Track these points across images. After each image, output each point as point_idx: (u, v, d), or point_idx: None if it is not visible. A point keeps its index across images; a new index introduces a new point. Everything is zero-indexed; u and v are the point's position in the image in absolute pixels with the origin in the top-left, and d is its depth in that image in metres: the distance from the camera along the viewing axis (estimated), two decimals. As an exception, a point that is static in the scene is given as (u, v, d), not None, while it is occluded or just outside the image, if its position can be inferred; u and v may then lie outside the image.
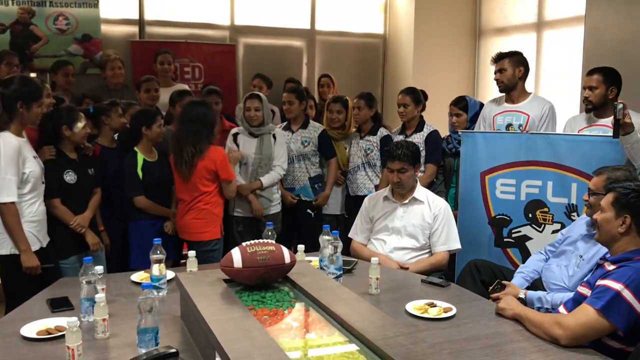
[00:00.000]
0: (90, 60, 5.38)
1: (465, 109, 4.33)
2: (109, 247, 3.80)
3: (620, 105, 3.08)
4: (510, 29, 6.22)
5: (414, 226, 3.38)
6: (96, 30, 5.38)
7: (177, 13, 5.82)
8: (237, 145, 4.21)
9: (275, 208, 4.29)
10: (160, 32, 5.77)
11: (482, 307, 2.53)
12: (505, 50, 4.15)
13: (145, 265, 3.59)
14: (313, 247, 3.21)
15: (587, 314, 2.13)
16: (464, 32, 6.53)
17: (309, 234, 4.39)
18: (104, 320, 2.14)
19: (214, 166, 3.65)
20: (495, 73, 4.02)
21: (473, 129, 4.19)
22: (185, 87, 5.26)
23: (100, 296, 2.14)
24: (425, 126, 4.40)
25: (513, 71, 3.94)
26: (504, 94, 4.06)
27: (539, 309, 2.71)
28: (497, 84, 4.03)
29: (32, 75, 5.13)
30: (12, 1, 5.09)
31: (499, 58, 3.99)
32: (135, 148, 3.77)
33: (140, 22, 5.69)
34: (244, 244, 2.28)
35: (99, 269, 2.49)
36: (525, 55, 4.05)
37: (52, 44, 5.26)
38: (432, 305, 2.47)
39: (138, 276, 2.88)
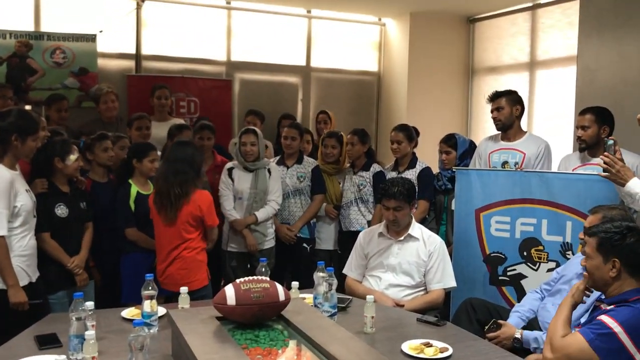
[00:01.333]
0: (86, 93, 5.40)
1: (455, 146, 4.34)
2: (99, 283, 3.75)
3: (611, 142, 3.05)
4: (503, 68, 6.31)
5: (409, 263, 3.35)
6: (93, 64, 5.41)
7: (174, 48, 5.87)
8: (232, 180, 4.20)
9: (269, 243, 4.26)
10: (156, 66, 5.81)
11: (479, 347, 2.49)
12: (498, 88, 4.19)
13: (137, 300, 3.53)
14: (307, 283, 3.17)
15: (577, 341, 2.14)
16: (457, 71, 6.62)
17: (304, 269, 4.36)
18: (93, 358, 2.08)
19: (200, 212, 3.44)
20: (492, 111, 4.05)
21: (462, 166, 4.20)
22: (182, 121, 5.27)
23: (90, 333, 2.09)
24: (418, 163, 4.41)
25: (510, 109, 3.97)
26: (499, 132, 4.09)
27: (535, 349, 2.68)
28: (495, 122, 4.05)
29: (27, 107, 5.15)
30: (10, 35, 5.12)
31: (496, 96, 4.03)
32: (130, 180, 3.77)
33: (137, 57, 5.73)
34: (237, 280, 2.25)
35: (90, 304, 2.44)
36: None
37: (48, 77, 5.27)
38: (428, 345, 2.42)
39: (129, 312, 2.82)
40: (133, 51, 5.71)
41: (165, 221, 3.45)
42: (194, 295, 3.38)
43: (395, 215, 3.35)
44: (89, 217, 3.60)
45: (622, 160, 3.02)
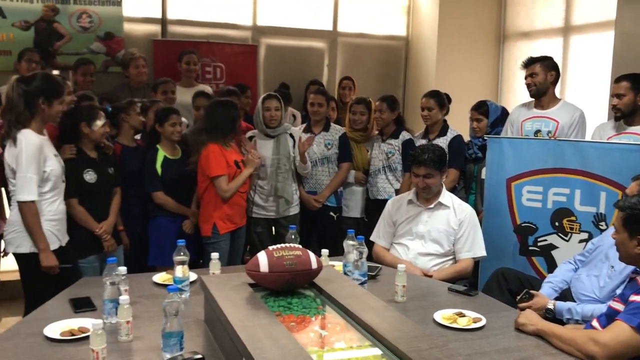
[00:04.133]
0: (112, 58, 5.38)
1: (486, 114, 4.26)
2: (128, 247, 3.79)
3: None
4: (536, 33, 6.12)
5: (438, 231, 3.31)
6: (119, 28, 5.37)
7: (200, 12, 5.79)
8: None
9: (294, 209, 4.25)
10: (182, 31, 5.74)
11: (512, 317, 2.45)
12: (530, 54, 4.09)
13: (163, 262, 3.66)
14: (334, 250, 3.17)
15: (622, 331, 2.05)
16: (488, 36, 6.44)
17: (330, 237, 4.36)
18: (127, 322, 2.11)
19: (200, 164, 3.74)
20: (525, 77, 3.95)
21: (493, 134, 4.11)
22: (208, 87, 5.25)
23: (124, 298, 2.11)
24: (449, 130, 4.33)
25: (545, 76, 3.87)
26: (533, 99, 3.99)
27: (568, 320, 2.63)
28: (528, 88, 3.95)
29: (55, 72, 5.15)
30: (37, -1, 5.10)
31: (530, 62, 3.93)
32: (158, 145, 3.78)
33: (163, 21, 5.67)
34: (270, 247, 2.24)
35: (123, 269, 2.46)
36: (553, 60, 3.98)
37: (75, 42, 5.25)
38: (461, 315, 2.40)
39: (160, 277, 2.84)
40: (159, 15, 5.65)
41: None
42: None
43: (425, 183, 3.29)
44: (117, 182, 3.62)
45: None
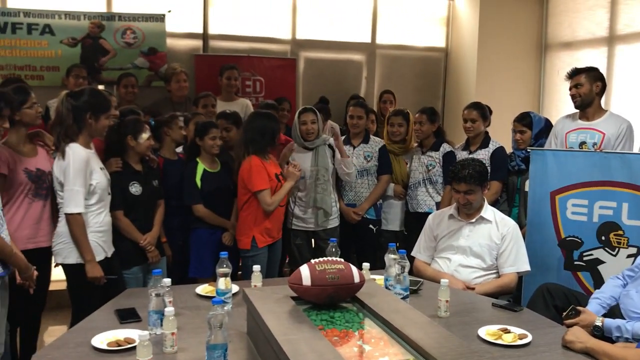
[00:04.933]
0: (155, 73, 5.50)
1: (530, 125, 4.18)
2: (171, 259, 3.84)
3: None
4: (579, 43, 6.01)
5: (480, 246, 3.26)
6: (162, 43, 5.49)
7: (240, 27, 5.88)
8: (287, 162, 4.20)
9: (334, 222, 4.24)
10: (223, 46, 5.83)
11: (559, 334, 2.39)
12: (573, 65, 4.02)
13: (203, 274, 3.73)
14: (372, 264, 3.15)
15: None
16: (529, 46, 6.35)
17: (369, 250, 4.34)
18: (172, 334, 2.13)
19: (240, 177, 3.75)
20: (570, 89, 3.88)
21: (537, 146, 4.04)
22: (247, 101, 5.31)
23: (169, 310, 2.13)
24: (491, 142, 4.28)
25: (590, 87, 3.79)
26: (577, 111, 3.91)
27: (617, 338, 2.55)
28: (573, 99, 3.88)
29: (100, 87, 5.30)
30: (84, 16, 5.25)
31: (575, 73, 3.85)
32: (198, 158, 3.84)
33: (205, 36, 5.77)
34: (312, 261, 2.24)
35: (167, 281, 2.50)
36: (598, 71, 3.90)
37: (119, 57, 5.39)
38: (506, 331, 2.36)
39: (202, 289, 2.87)
40: (200, 31, 5.76)
41: None
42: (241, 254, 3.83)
43: (466, 199, 3.25)
44: (161, 194, 3.69)
45: None
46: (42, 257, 3.14)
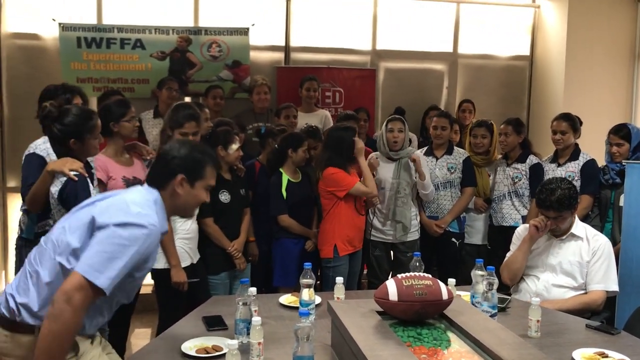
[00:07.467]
0: (239, 85, 5.63)
1: (627, 137, 3.97)
2: (256, 259, 3.92)
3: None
4: (676, 49, 5.67)
5: (570, 263, 3.11)
6: (245, 56, 5.63)
7: (321, 39, 5.93)
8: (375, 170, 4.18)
9: (413, 235, 4.18)
10: (304, 57, 5.90)
11: (662, 361, 2.25)
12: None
13: (286, 284, 3.78)
14: (454, 278, 3.06)
15: None
16: (620, 53, 6.05)
17: (451, 264, 4.25)
18: (259, 344, 2.15)
19: (325, 185, 3.83)
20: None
21: (634, 159, 3.82)
22: (327, 112, 5.35)
23: (257, 319, 2.16)
24: (581, 154, 4.10)
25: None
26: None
27: None
28: None
29: (187, 99, 5.49)
30: (173, 31, 5.46)
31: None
32: (281, 169, 3.90)
33: (286, 49, 5.86)
34: (399, 276, 2.21)
35: (253, 290, 2.53)
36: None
37: (205, 70, 5.57)
38: (604, 355, 2.23)
39: (286, 299, 2.90)
40: (282, 43, 5.86)
41: None
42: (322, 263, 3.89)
43: (556, 224, 3.12)
44: (248, 202, 3.78)
45: None
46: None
